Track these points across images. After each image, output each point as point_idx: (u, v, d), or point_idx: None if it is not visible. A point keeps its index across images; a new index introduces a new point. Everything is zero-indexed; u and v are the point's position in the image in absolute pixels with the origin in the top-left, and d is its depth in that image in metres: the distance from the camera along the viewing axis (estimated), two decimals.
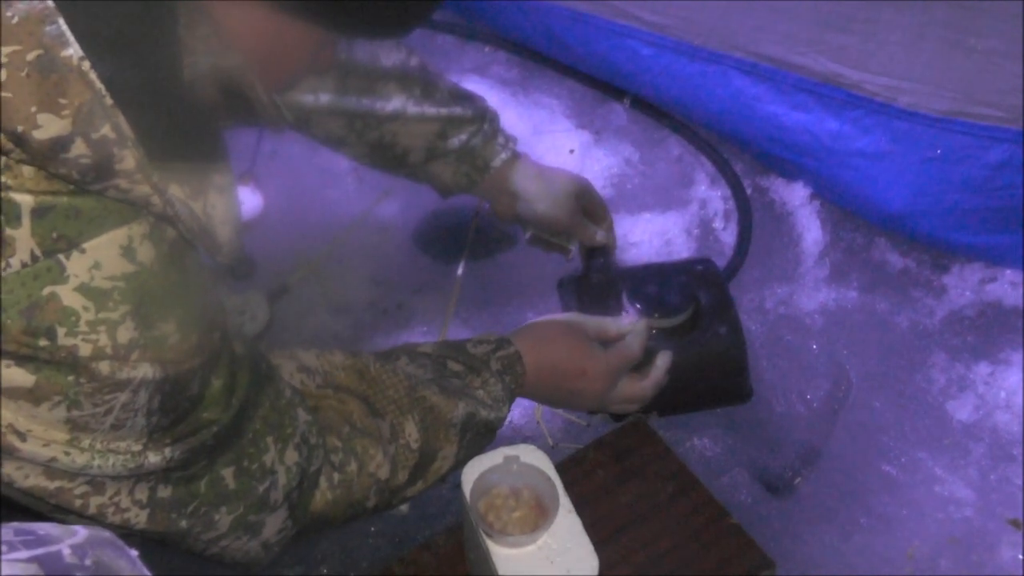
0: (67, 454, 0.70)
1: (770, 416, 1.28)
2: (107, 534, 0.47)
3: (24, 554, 0.42)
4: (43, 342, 0.65)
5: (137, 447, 0.73)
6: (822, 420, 1.28)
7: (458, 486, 0.94)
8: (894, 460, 1.24)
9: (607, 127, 1.63)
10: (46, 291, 0.65)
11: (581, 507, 0.94)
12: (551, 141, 1.60)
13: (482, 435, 1.01)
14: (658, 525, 1.11)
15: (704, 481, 1.15)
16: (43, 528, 0.45)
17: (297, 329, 1.35)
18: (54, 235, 0.65)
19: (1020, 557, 1.15)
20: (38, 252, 0.64)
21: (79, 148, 0.64)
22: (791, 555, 1.15)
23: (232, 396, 0.81)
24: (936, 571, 1.15)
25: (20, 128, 0.62)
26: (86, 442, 0.70)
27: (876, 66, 1.37)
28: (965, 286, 1.40)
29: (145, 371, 0.70)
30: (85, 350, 0.67)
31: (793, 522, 1.18)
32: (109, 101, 0.64)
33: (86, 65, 0.62)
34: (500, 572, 0.89)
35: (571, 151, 1.58)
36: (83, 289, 0.66)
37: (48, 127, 0.62)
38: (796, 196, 1.50)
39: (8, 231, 0.63)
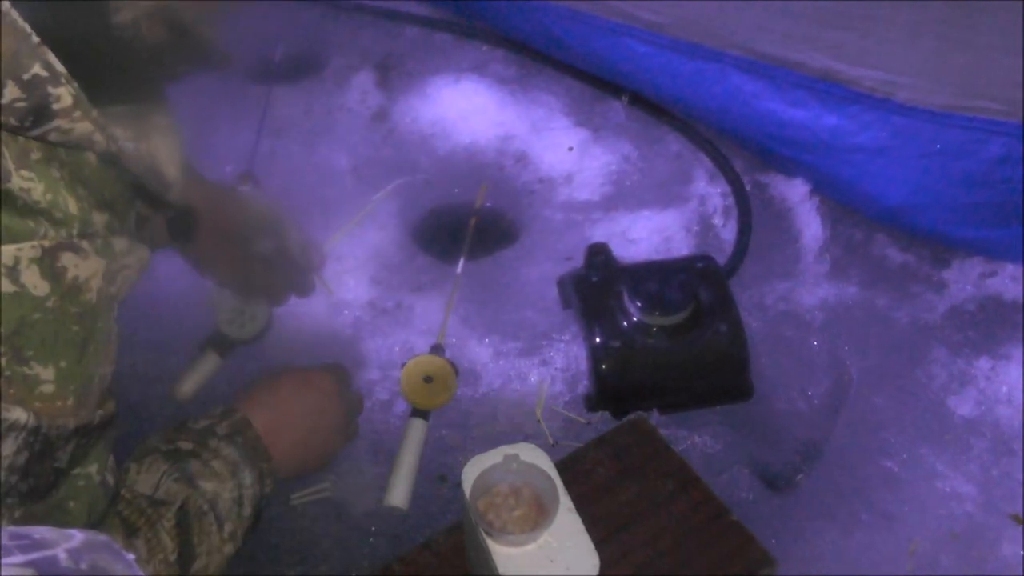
0: None
1: (771, 413, 1.27)
2: (103, 537, 0.46)
3: (19, 559, 0.42)
4: None
5: None
6: (823, 417, 1.27)
7: (458, 485, 0.94)
8: (895, 456, 1.23)
9: (606, 125, 1.63)
10: None
11: (581, 505, 0.94)
12: (550, 139, 1.60)
13: (246, 516, 0.97)
14: (658, 523, 1.11)
15: (705, 478, 1.15)
16: (39, 532, 0.44)
17: (297, 329, 1.34)
18: None
19: (1022, 553, 1.14)
20: None
21: (12, 92, 0.61)
22: (792, 552, 1.14)
23: (90, 511, 0.77)
24: (937, 567, 1.14)
25: None
26: None
27: (874, 62, 1.37)
28: (965, 281, 1.40)
29: (18, 415, 0.66)
30: None
31: (794, 519, 1.18)
32: (35, 39, 0.62)
33: (6, 5, 0.60)
34: (500, 571, 0.89)
35: (570, 149, 1.58)
36: None
37: None
38: (795, 192, 1.50)
39: None
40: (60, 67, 0.63)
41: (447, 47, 1.78)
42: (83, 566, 0.43)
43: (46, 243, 0.66)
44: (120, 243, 0.74)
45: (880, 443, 1.25)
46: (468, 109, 1.65)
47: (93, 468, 0.76)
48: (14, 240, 0.65)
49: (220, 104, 1.57)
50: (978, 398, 1.28)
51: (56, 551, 0.43)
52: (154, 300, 1.29)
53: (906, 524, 1.17)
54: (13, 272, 0.65)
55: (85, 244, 0.69)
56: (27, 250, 0.65)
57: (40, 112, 0.63)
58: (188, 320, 1.33)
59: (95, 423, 0.75)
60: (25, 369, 0.67)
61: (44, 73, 0.62)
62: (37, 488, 0.70)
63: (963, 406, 1.27)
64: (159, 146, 0.73)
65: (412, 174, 1.56)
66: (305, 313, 1.36)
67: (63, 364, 0.69)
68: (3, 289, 0.64)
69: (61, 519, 0.74)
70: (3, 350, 0.65)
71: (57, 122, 0.64)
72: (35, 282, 0.66)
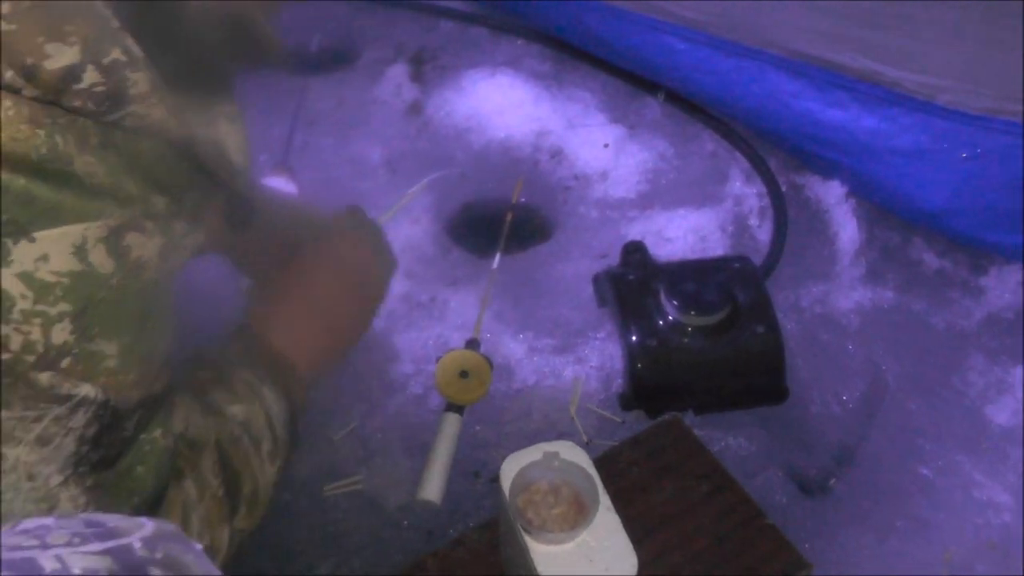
0: None
1: (805, 416, 1.27)
2: (172, 527, 0.46)
3: (97, 546, 0.42)
4: None
5: (57, 479, 0.69)
6: (857, 421, 1.27)
7: (492, 481, 0.93)
8: (931, 463, 1.22)
9: (641, 122, 1.62)
10: None
11: (616, 504, 0.93)
12: (585, 135, 1.59)
13: (279, 434, 0.96)
14: (693, 524, 1.11)
15: (739, 480, 1.15)
16: (111, 520, 0.44)
17: None
18: (4, 217, 0.62)
19: None
20: None
21: (91, 76, 0.62)
22: (825, 557, 1.13)
23: (157, 474, 0.78)
24: None
25: (29, 60, 0.60)
26: (9, 460, 0.66)
27: (915, 64, 1.36)
28: (1004, 288, 1.39)
29: (87, 391, 0.68)
30: (15, 342, 0.64)
31: (828, 524, 1.17)
32: (115, 23, 0.62)
33: None
34: (539, 569, 0.88)
35: (605, 145, 1.58)
36: (25, 277, 0.64)
37: (58, 57, 0.60)
38: (832, 194, 1.49)
39: None
40: (138, 52, 0.64)
41: (482, 41, 1.78)
42: (158, 555, 0.43)
43: (112, 222, 0.68)
44: (179, 226, 0.75)
45: (915, 449, 1.24)
46: (503, 103, 1.64)
47: (157, 432, 0.78)
48: (81, 220, 0.66)
49: (255, 95, 1.56)
50: (1015, 407, 1.27)
51: (131, 539, 0.43)
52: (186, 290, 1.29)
53: (941, 532, 1.17)
54: (81, 251, 0.66)
55: (149, 224, 0.70)
56: (94, 229, 0.66)
57: (118, 97, 0.64)
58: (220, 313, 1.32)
59: (157, 393, 0.76)
60: (91, 346, 0.68)
61: (123, 58, 0.63)
62: (107, 457, 0.72)
63: (1000, 415, 1.26)
64: (227, 134, 0.74)
65: (447, 168, 1.55)
66: None
67: (125, 340, 0.71)
68: (71, 268, 0.66)
69: (130, 485, 0.76)
70: (72, 328, 0.66)
71: (133, 107, 0.65)
72: (101, 261, 0.67)
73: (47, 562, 0.41)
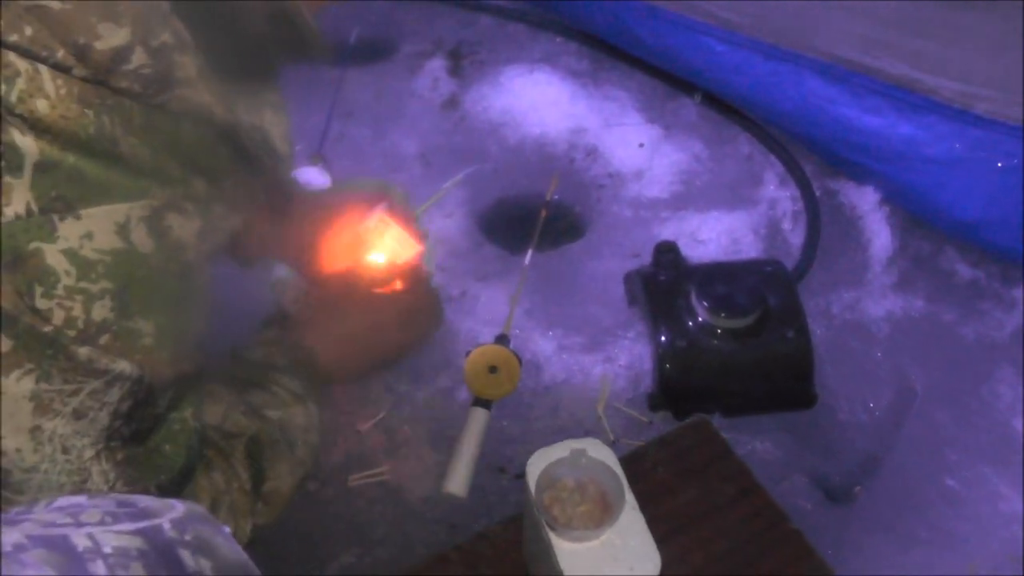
0: (18, 451, 0.67)
1: (832, 423, 1.26)
2: (201, 509, 0.47)
3: (129, 526, 0.42)
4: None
5: (90, 452, 0.70)
6: (884, 430, 1.26)
7: (517, 477, 0.94)
8: (957, 474, 1.22)
9: (677, 122, 1.62)
10: (32, 246, 0.63)
11: (641, 504, 0.93)
12: (620, 134, 1.59)
13: (313, 442, 0.98)
14: (717, 526, 1.11)
15: (764, 484, 1.15)
16: (142, 500, 0.45)
17: None
18: (53, 193, 0.63)
19: None
20: (34, 207, 0.63)
21: (139, 58, 0.63)
22: (849, 565, 1.13)
23: (186, 454, 0.79)
24: None
25: (82, 39, 0.61)
26: (46, 432, 0.68)
27: (954, 72, 1.35)
28: None
29: (123, 367, 0.69)
30: (58, 316, 0.65)
31: (852, 532, 1.17)
32: (165, 7, 0.63)
33: None
34: (563, 566, 0.89)
35: (641, 145, 1.58)
36: (69, 254, 0.65)
37: (108, 37, 0.61)
38: (866, 200, 1.48)
39: (7, 179, 0.61)
40: (187, 36, 0.65)
41: (520, 37, 1.78)
42: (187, 537, 0.44)
43: (155, 203, 0.69)
44: (218, 209, 0.76)
45: (942, 460, 1.23)
46: (540, 100, 1.65)
47: (188, 412, 0.79)
48: (126, 199, 0.67)
49: (293, 85, 1.57)
50: None
51: (162, 520, 0.44)
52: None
53: (966, 544, 1.16)
54: (123, 230, 0.67)
55: (189, 206, 0.71)
56: (137, 209, 0.68)
57: (164, 80, 0.65)
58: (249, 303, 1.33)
59: (189, 373, 0.78)
60: (130, 323, 0.69)
61: (172, 41, 0.64)
62: (139, 432, 0.73)
63: None
64: (271, 121, 0.75)
65: (481, 163, 1.56)
66: None
67: (162, 319, 0.72)
68: (114, 246, 0.67)
69: (158, 461, 0.77)
70: (112, 305, 0.67)
71: (179, 90, 0.66)
72: (142, 240, 0.68)
73: (80, 540, 0.41)
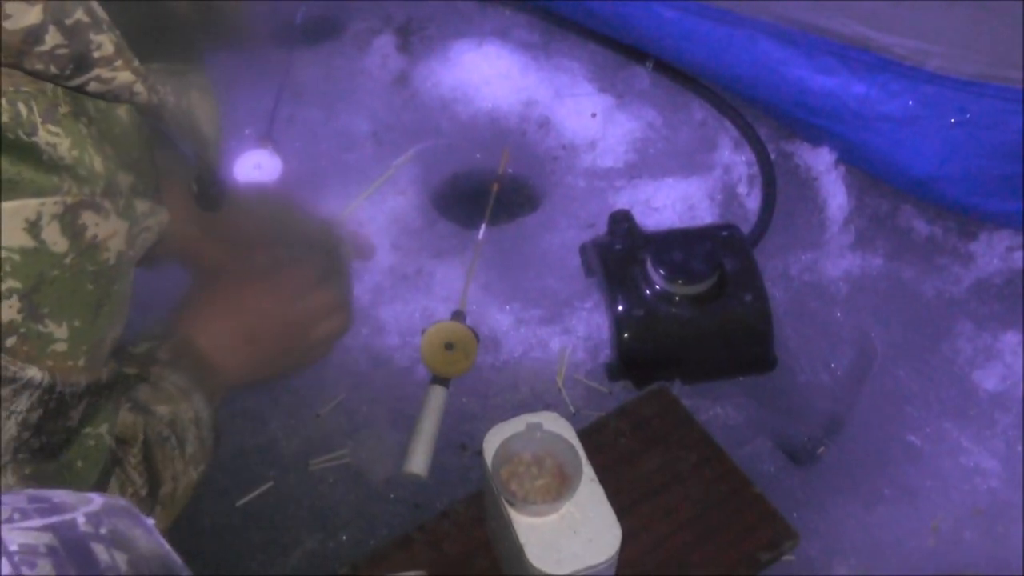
0: None
1: (794, 385, 1.26)
2: (123, 502, 0.46)
3: (38, 522, 0.41)
4: None
5: None
6: (846, 389, 1.26)
7: (478, 453, 0.93)
8: (919, 430, 1.22)
9: (630, 91, 1.61)
10: None
11: (602, 475, 0.93)
12: (573, 105, 1.58)
13: (205, 437, 0.93)
14: (680, 494, 1.11)
15: (727, 450, 1.15)
16: (58, 495, 0.44)
17: None
18: None
19: None
20: None
21: (54, 38, 0.60)
22: (814, 526, 1.13)
23: (99, 471, 0.76)
24: (961, 543, 1.13)
25: None
26: None
27: (906, 29, 1.34)
28: (993, 254, 1.38)
29: (33, 374, 0.65)
30: None
31: (816, 493, 1.17)
32: None
33: None
34: (522, 541, 0.88)
35: (593, 115, 1.56)
36: None
37: (19, 17, 0.58)
38: (821, 161, 1.47)
39: None
40: (102, 13, 0.62)
41: (469, 12, 1.76)
42: (103, 531, 0.42)
43: (69, 199, 0.65)
44: (143, 205, 0.73)
45: (904, 417, 1.24)
46: (491, 74, 1.63)
47: (103, 428, 0.76)
48: (37, 194, 0.63)
49: (239, 67, 1.54)
50: (1004, 372, 1.26)
51: (75, 515, 0.43)
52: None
53: (929, 499, 1.17)
54: (35, 227, 0.64)
55: (107, 204, 0.68)
56: (49, 205, 0.64)
57: (81, 60, 0.62)
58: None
59: (103, 381, 0.74)
60: (40, 327, 0.66)
61: (86, 19, 0.62)
62: (49, 445, 0.69)
63: (988, 380, 1.26)
64: (198, 104, 0.73)
65: (433, 139, 1.54)
66: None
67: (76, 324, 0.68)
68: (23, 244, 0.63)
69: (69, 478, 0.74)
70: (20, 306, 0.64)
71: (98, 71, 0.63)
72: (55, 239, 0.65)
73: None
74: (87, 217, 0.67)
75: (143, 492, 0.85)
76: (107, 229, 0.69)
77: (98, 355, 0.72)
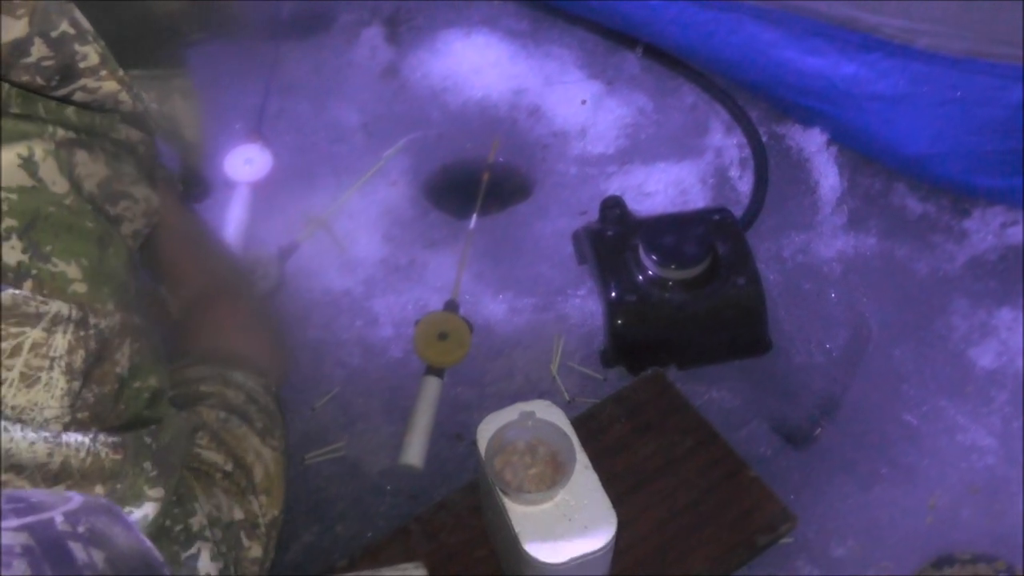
0: None
1: (789, 367, 1.26)
2: (103, 500, 0.46)
3: (14, 523, 0.41)
4: None
5: (54, 411, 0.63)
6: (841, 370, 1.26)
7: (474, 443, 0.93)
8: (915, 409, 1.22)
9: (619, 77, 1.60)
10: None
11: (598, 462, 0.93)
12: (563, 92, 1.57)
13: (271, 409, 0.91)
14: (677, 479, 1.11)
15: (723, 434, 1.15)
16: (36, 495, 0.44)
17: (308, 288, 1.33)
18: None
19: None
20: None
21: (39, 50, 0.61)
22: (812, 507, 1.14)
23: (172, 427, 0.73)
24: (958, 521, 1.13)
25: None
26: None
27: (893, 8, 1.34)
28: (986, 230, 1.38)
29: (58, 307, 0.63)
30: None
31: (813, 474, 1.17)
32: None
33: None
34: (517, 530, 0.88)
35: (583, 102, 1.56)
36: None
37: (4, 30, 0.59)
38: (813, 142, 1.47)
39: None
40: (87, 24, 0.63)
41: (458, 2, 1.75)
42: (80, 529, 0.42)
43: (59, 138, 0.64)
44: (128, 167, 0.72)
45: (899, 396, 1.24)
46: (480, 63, 1.62)
47: (152, 380, 0.72)
48: (24, 137, 0.62)
49: (228, 62, 1.54)
50: (999, 349, 1.26)
51: (53, 514, 0.42)
52: None
53: (926, 478, 1.17)
54: (30, 163, 0.63)
55: (96, 144, 0.67)
56: (39, 142, 0.63)
57: (67, 71, 0.63)
58: None
59: (140, 327, 0.71)
60: (50, 266, 0.64)
61: (71, 30, 0.62)
62: (102, 398, 0.66)
63: (984, 357, 1.26)
64: (180, 108, 0.73)
65: (423, 129, 1.53)
66: (317, 271, 1.35)
67: (85, 262, 0.66)
68: (20, 183, 0.62)
69: (151, 441, 0.70)
70: (23, 246, 0.62)
71: (83, 81, 0.64)
72: (54, 177, 0.64)
73: None
74: (80, 156, 0.66)
75: (228, 467, 0.81)
76: (99, 172, 0.68)
77: (125, 298, 0.69)
